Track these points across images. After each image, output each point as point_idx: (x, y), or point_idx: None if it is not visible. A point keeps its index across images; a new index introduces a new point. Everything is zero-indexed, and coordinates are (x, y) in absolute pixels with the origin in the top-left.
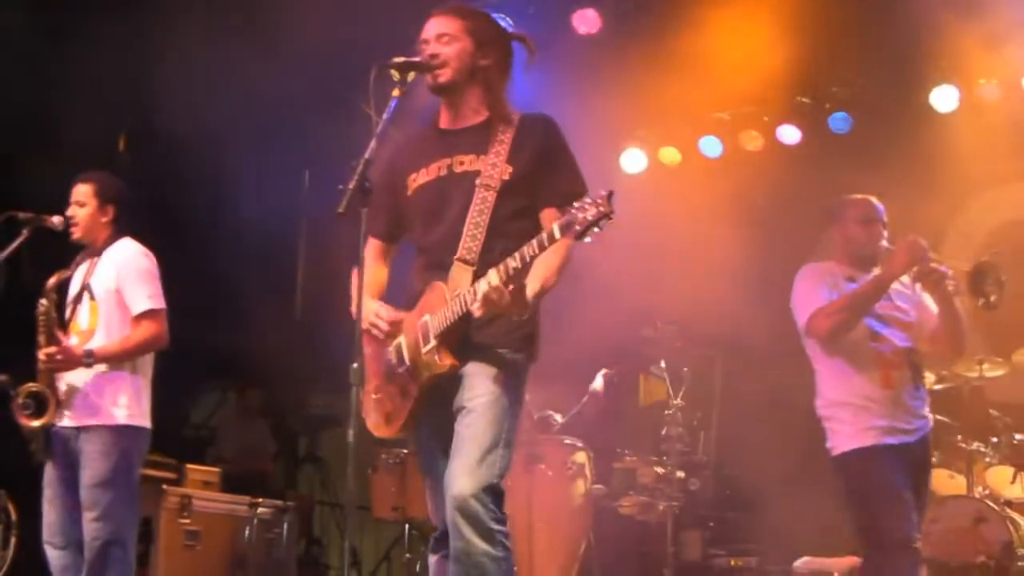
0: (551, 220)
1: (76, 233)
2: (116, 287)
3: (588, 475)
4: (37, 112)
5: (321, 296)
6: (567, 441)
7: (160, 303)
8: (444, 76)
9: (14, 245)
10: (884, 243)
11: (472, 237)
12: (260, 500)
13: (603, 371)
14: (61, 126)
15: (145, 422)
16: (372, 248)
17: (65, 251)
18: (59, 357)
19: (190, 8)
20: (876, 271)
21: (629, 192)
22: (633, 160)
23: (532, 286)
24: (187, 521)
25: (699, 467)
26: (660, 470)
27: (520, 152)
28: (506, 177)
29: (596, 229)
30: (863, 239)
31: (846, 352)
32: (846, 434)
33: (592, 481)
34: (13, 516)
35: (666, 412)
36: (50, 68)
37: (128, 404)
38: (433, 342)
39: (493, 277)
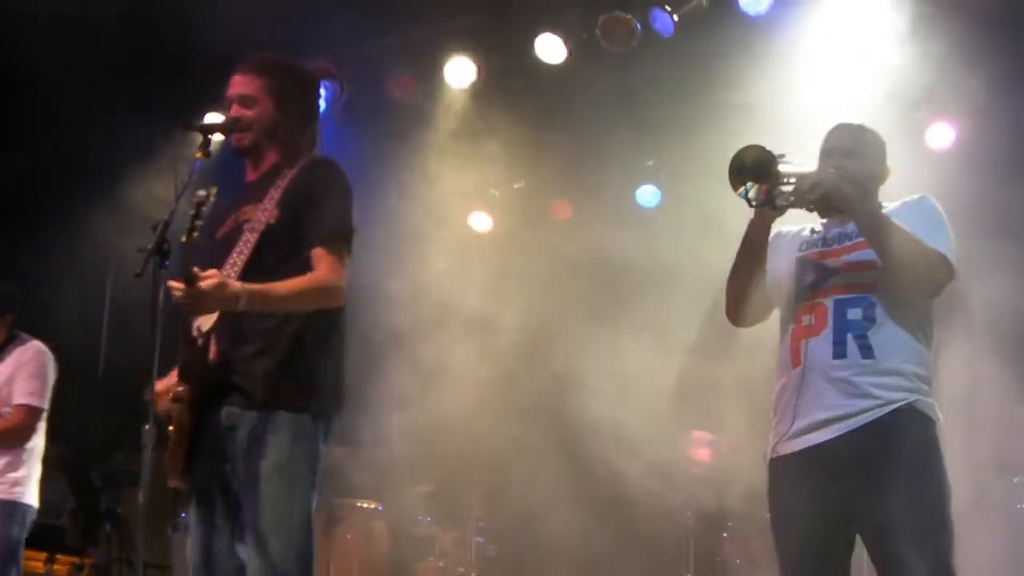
0: (318, 260)
1: None
2: None
3: (386, 539)
4: None
5: (125, 351)
6: (366, 505)
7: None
8: (246, 140)
9: None
10: None
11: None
12: (57, 556)
13: None
14: None
15: None
16: None
17: None
18: None
19: None
20: None
21: None
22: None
23: (256, 284)
24: None
25: (497, 533)
26: (458, 536)
27: (290, 196)
28: (271, 221)
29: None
30: None
31: None
32: None
33: (390, 545)
34: None
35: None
36: None
37: None
38: (180, 384)
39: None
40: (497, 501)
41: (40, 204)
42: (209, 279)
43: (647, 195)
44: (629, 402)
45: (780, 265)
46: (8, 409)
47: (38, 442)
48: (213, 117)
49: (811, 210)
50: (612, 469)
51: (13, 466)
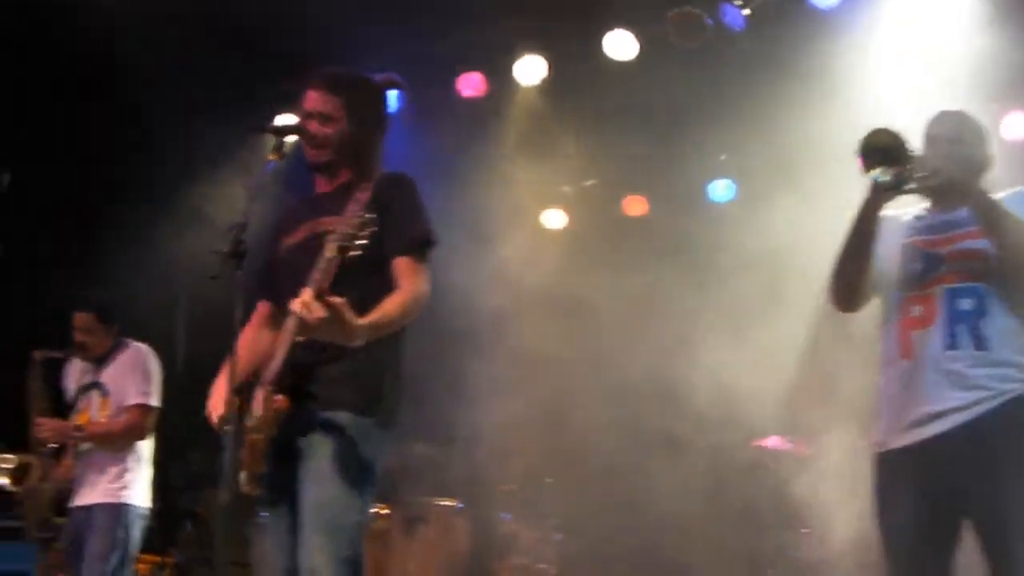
0: (402, 270)
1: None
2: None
3: (467, 537)
4: None
5: (202, 352)
6: (447, 503)
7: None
8: (323, 157)
9: None
10: None
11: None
12: (140, 556)
13: None
14: None
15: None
16: (261, 311)
17: None
18: None
19: None
20: None
21: None
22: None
23: (370, 315)
24: None
25: (577, 529)
26: (539, 532)
27: (371, 208)
28: None
29: (359, 241)
30: None
31: None
32: None
33: (471, 543)
34: None
35: (547, 480)
36: None
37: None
38: (267, 388)
39: (306, 292)
40: (577, 497)
41: (118, 208)
42: (343, 306)
43: (721, 190)
44: (705, 399)
45: (885, 252)
46: (122, 412)
47: (144, 443)
48: (284, 119)
49: (922, 196)
50: (688, 467)
51: (118, 469)
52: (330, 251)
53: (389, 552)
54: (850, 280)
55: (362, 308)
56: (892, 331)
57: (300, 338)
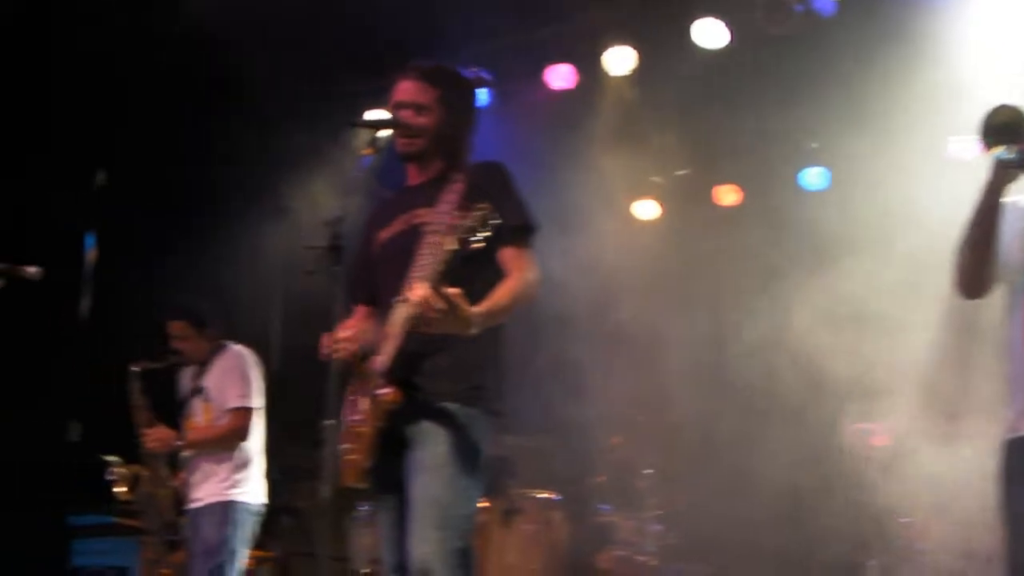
0: (508, 260)
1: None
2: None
3: (565, 528)
4: None
5: (297, 348)
6: (544, 495)
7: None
8: (416, 146)
9: None
10: None
11: (418, 278)
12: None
13: None
14: None
15: None
16: (359, 312)
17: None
18: None
19: None
20: None
21: None
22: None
23: (482, 304)
24: (166, 572)
25: (677, 520)
26: (637, 523)
27: (468, 197)
28: (456, 223)
29: (479, 235)
30: None
31: None
32: None
33: (569, 535)
34: None
35: (644, 471)
36: None
37: None
38: (379, 379)
39: (422, 286)
40: (675, 487)
41: (215, 206)
42: (460, 298)
43: (813, 177)
44: (804, 387)
45: (1008, 237)
46: (222, 416)
47: (252, 440)
48: (376, 114)
49: None
50: (789, 456)
51: (225, 468)
52: (450, 244)
53: (487, 545)
54: (975, 264)
55: (470, 298)
56: (1018, 317)
57: (414, 331)
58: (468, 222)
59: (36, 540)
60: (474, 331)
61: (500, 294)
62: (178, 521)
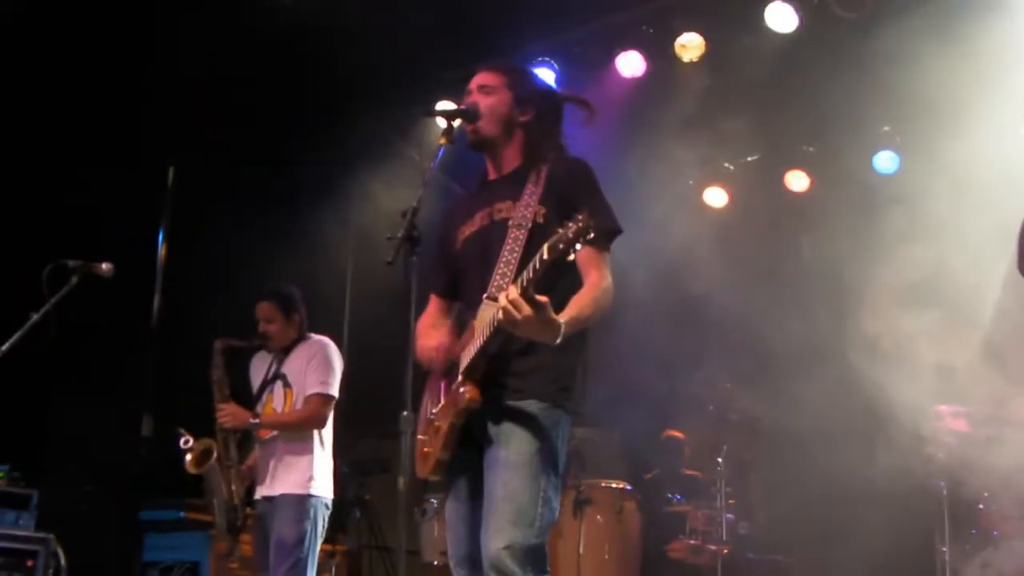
0: (585, 261)
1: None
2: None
3: (637, 519)
4: None
5: (370, 342)
6: (615, 485)
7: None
8: (480, 128)
9: (63, 292)
10: None
11: (502, 275)
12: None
13: None
14: None
15: None
16: (434, 304)
17: (115, 297)
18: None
19: None
20: None
21: None
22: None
23: (567, 312)
24: (235, 566)
25: (749, 510)
26: (709, 513)
27: (551, 194)
28: (540, 220)
29: (577, 246)
30: None
31: None
32: None
33: (641, 525)
34: (63, 562)
35: (718, 460)
36: None
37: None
38: (460, 377)
39: (512, 289)
40: (747, 477)
41: (288, 200)
42: (547, 306)
43: (885, 161)
44: (884, 374)
45: None
46: (302, 402)
47: (327, 433)
48: (446, 104)
49: None
50: (862, 443)
51: (304, 460)
52: (546, 252)
53: (559, 536)
54: None
55: (552, 301)
56: None
57: (500, 333)
58: (568, 233)
59: (109, 535)
60: (558, 340)
61: (584, 304)
62: (241, 506)
